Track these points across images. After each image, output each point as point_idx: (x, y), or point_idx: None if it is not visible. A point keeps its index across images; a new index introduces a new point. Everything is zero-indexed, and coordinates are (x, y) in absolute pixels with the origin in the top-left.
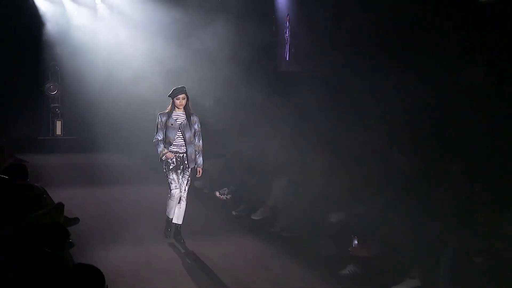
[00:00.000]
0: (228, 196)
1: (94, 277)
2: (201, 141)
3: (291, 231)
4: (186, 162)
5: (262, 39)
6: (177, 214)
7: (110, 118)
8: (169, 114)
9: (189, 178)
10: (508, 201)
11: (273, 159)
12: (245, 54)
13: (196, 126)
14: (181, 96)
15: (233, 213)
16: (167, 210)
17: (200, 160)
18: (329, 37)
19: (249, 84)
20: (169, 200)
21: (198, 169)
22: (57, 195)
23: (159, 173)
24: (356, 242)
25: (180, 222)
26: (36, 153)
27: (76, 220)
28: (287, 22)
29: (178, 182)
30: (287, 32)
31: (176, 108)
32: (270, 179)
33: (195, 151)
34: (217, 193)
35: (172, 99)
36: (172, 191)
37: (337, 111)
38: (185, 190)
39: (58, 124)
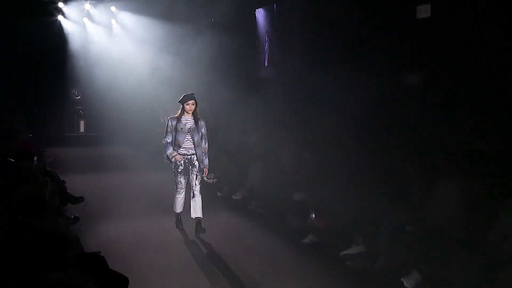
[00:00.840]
0: (214, 180)
1: (60, 244)
2: (207, 144)
3: (264, 208)
4: (194, 162)
5: (246, 50)
6: (194, 208)
7: (121, 117)
8: (178, 119)
9: (197, 173)
10: (435, 180)
11: (252, 149)
12: (232, 62)
13: (203, 130)
14: (190, 102)
15: (218, 194)
16: (174, 206)
17: (206, 161)
18: (298, 49)
19: (234, 87)
20: (175, 197)
21: (204, 169)
22: (75, 179)
23: (159, 162)
24: (313, 216)
25: (199, 215)
26: (63, 147)
27: (81, 199)
28: (266, 37)
29: (184, 184)
30: (266, 45)
31: (185, 113)
32: (248, 165)
33: (202, 153)
34: (205, 178)
35: (182, 104)
36: (177, 190)
37: (303, 109)
38: (195, 185)
39: (82, 123)
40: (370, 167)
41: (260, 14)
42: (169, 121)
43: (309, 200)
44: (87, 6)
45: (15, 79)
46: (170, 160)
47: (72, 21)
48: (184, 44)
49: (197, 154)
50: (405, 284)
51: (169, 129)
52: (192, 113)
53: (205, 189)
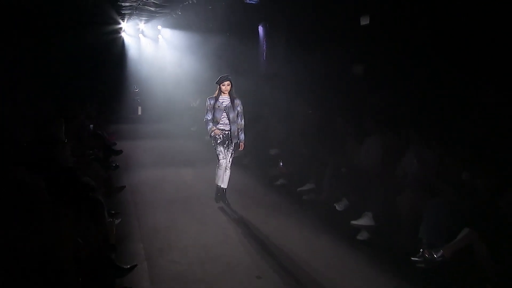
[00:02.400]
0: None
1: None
2: (243, 121)
3: (252, 162)
4: (230, 138)
5: (252, 52)
6: (222, 179)
7: (164, 103)
8: (216, 98)
9: (232, 152)
10: (364, 136)
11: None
12: (242, 60)
13: (239, 108)
14: (226, 82)
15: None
16: (216, 178)
17: (242, 136)
18: (281, 50)
19: (244, 78)
20: (218, 169)
21: (240, 143)
22: (129, 144)
23: (187, 134)
24: (281, 164)
25: (225, 186)
26: (127, 124)
27: (120, 152)
28: (264, 43)
29: (225, 153)
30: (264, 47)
31: (222, 93)
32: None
33: (238, 129)
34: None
35: (219, 85)
36: (220, 161)
37: (284, 92)
38: (229, 161)
39: (139, 108)
40: (320, 129)
41: (260, 27)
42: (208, 100)
43: (280, 154)
44: (141, 25)
45: (92, 77)
46: (210, 135)
47: (131, 36)
48: (209, 48)
49: (231, 130)
50: (337, 208)
51: (208, 108)
52: (229, 93)
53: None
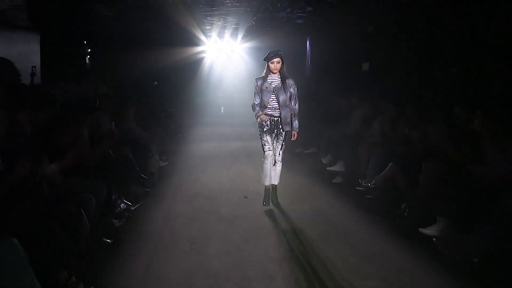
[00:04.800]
0: None
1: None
2: (297, 105)
3: None
4: (280, 125)
5: (301, 59)
6: (272, 175)
7: (239, 103)
8: (264, 78)
9: (283, 143)
10: (351, 110)
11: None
12: (293, 65)
13: (292, 90)
14: (275, 59)
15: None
16: (262, 177)
17: (296, 123)
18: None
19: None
20: (264, 164)
21: (293, 132)
22: (215, 127)
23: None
24: None
25: (276, 182)
26: (214, 118)
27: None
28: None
29: (272, 144)
30: (308, 54)
31: (271, 72)
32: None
33: (291, 114)
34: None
35: (267, 63)
36: (265, 153)
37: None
38: (279, 154)
39: (222, 108)
40: (322, 107)
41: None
42: (255, 81)
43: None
44: (221, 42)
45: (182, 85)
46: (257, 121)
47: (215, 51)
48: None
49: (281, 115)
50: (323, 161)
51: (255, 90)
52: (279, 72)
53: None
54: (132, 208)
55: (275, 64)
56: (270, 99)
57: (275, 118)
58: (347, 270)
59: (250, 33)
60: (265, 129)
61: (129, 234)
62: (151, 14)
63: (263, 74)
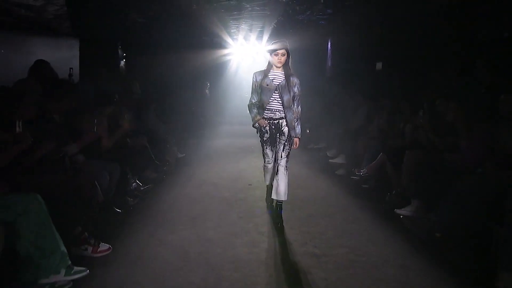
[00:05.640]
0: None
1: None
2: (299, 107)
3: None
4: (283, 129)
5: (322, 58)
6: (275, 188)
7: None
8: (265, 73)
9: (285, 143)
10: (355, 108)
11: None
12: (313, 65)
13: (296, 89)
14: (280, 51)
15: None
16: (265, 178)
17: (298, 128)
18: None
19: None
20: (264, 171)
21: (295, 138)
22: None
23: None
24: (308, 131)
25: (281, 197)
26: (238, 111)
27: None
28: (329, 52)
29: (272, 156)
30: (329, 54)
31: (273, 66)
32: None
33: (294, 117)
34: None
35: (270, 55)
36: (265, 164)
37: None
38: (281, 157)
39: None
40: (336, 105)
41: (329, 40)
42: (254, 76)
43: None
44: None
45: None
46: (254, 126)
47: (238, 54)
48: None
49: (287, 119)
50: (328, 154)
51: (253, 86)
52: (283, 67)
53: None
54: (142, 188)
55: (279, 56)
56: (272, 99)
57: (276, 121)
58: (322, 240)
59: (274, 36)
60: (265, 138)
61: (138, 210)
62: (180, 19)
63: (264, 68)
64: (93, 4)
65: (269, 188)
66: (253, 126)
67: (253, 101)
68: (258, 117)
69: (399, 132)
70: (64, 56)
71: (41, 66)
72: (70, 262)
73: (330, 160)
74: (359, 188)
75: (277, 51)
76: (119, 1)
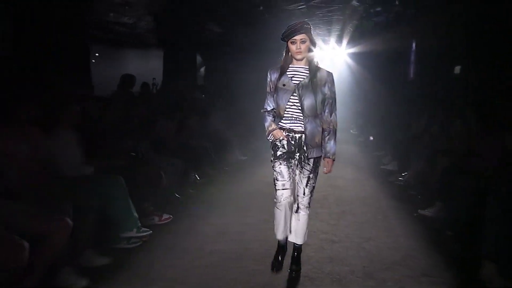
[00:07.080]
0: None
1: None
2: (334, 115)
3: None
4: (304, 147)
5: (403, 63)
6: (294, 228)
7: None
8: (282, 69)
9: (310, 175)
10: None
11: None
12: (391, 70)
13: (326, 89)
14: (298, 37)
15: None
16: (275, 226)
17: (331, 145)
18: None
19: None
20: (275, 208)
21: (326, 160)
22: None
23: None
24: (371, 138)
25: (299, 240)
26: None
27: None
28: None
29: (289, 177)
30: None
31: (294, 60)
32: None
33: (323, 129)
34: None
35: (286, 43)
36: (277, 192)
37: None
38: (303, 194)
39: None
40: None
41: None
42: (269, 74)
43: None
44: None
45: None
46: (268, 139)
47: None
48: (374, 62)
49: (307, 131)
50: (384, 162)
51: (268, 88)
52: (306, 59)
53: None
54: (198, 180)
55: (298, 44)
56: (289, 103)
57: (297, 135)
58: (342, 231)
59: (352, 39)
60: (278, 153)
61: (195, 198)
62: (254, 27)
63: (281, 63)
64: (176, 17)
65: (280, 245)
66: (267, 138)
67: (268, 108)
68: (274, 126)
69: (450, 139)
70: (151, 67)
71: (126, 79)
72: (140, 224)
73: (381, 167)
74: (403, 193)
75: (294, 37)
76: (198, 14)
